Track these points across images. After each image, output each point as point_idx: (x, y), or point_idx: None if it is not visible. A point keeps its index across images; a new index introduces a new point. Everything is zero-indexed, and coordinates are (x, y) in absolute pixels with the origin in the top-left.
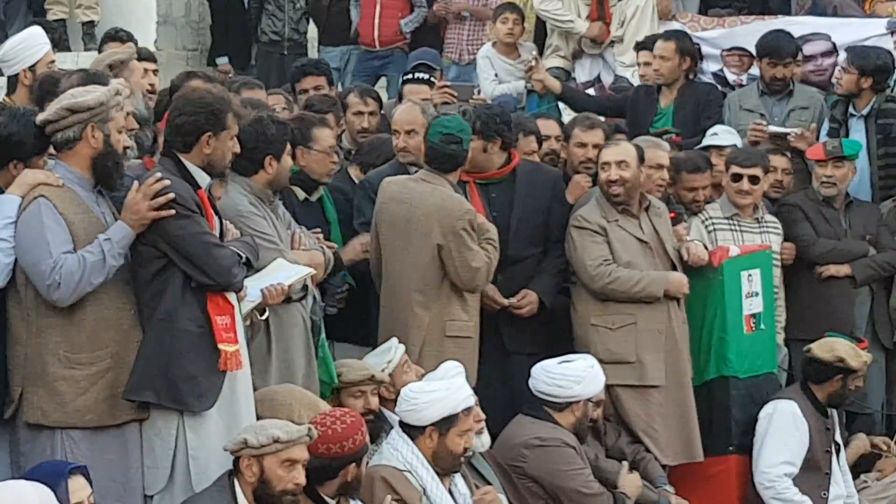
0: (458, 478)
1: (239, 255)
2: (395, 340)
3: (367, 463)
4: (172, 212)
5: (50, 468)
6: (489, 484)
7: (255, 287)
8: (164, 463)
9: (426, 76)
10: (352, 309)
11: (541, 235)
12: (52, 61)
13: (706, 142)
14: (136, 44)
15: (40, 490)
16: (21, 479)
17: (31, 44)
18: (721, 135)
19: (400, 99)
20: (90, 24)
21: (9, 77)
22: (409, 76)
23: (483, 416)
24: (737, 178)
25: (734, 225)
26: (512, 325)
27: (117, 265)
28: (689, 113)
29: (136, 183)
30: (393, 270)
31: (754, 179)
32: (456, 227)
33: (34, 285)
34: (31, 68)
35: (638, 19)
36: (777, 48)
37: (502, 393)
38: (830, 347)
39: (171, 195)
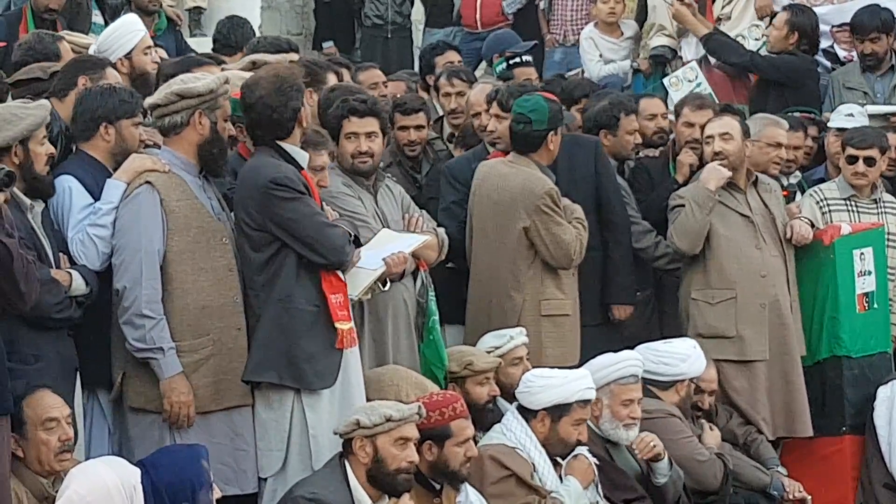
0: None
1: (349, 233)
2: (522, 331)
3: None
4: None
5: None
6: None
7: (375, 257)
8: (280, 445)
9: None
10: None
11: (593, 205)
12: (149, 47)
13: (841, 123)
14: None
15: (120, 470)
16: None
17: (125, 31)
18: (857, 117)
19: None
20: (198, 11)
21: None
22: None
23: (639, 414)
24: (852, 159)
25: (851, 206)
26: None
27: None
28: None
29: (190, 394)
30: (483, 254)
31: (870, 161)
32: (539, 206)
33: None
34: (128, 56)
35: None
36: (859, 23)
37: None
38: None
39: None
